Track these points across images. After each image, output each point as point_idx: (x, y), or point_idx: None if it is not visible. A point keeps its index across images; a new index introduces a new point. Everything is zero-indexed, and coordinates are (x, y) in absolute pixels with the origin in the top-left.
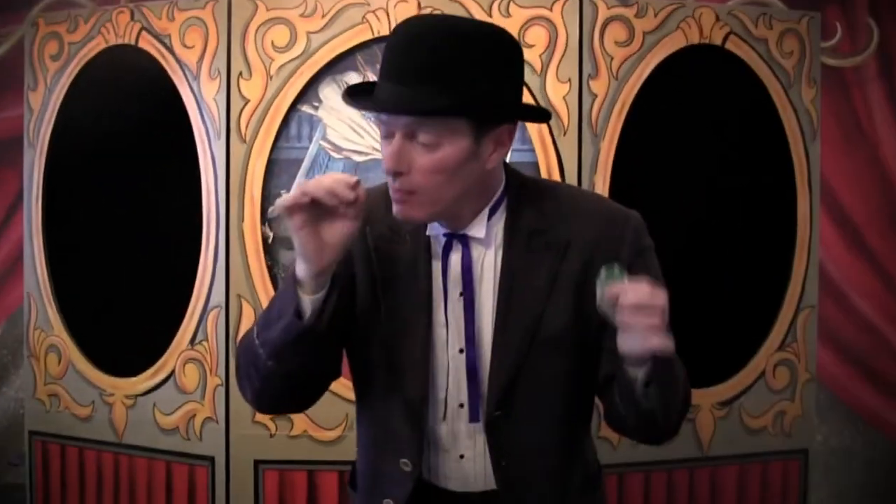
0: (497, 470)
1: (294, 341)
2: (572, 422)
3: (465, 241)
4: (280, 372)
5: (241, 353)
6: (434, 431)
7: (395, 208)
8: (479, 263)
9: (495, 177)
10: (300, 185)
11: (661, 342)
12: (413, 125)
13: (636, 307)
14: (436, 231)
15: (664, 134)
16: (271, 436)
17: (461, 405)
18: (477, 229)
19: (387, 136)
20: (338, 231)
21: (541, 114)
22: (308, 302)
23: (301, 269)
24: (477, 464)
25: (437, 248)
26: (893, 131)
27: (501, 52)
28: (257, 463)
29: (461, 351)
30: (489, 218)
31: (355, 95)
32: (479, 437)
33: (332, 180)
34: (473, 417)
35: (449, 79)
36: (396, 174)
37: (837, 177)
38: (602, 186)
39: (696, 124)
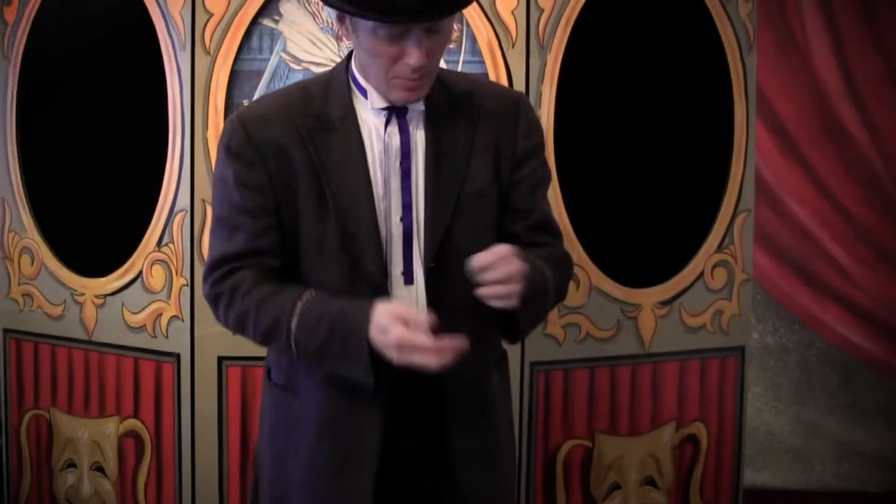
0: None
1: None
2: None
3: (403, 114)
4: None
5: (257, 316)
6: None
7: (402, 94)
8: (414, 134)
9: None
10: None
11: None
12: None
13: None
14: (376, 105)
15: (606, 46)
16: (234, 333)
17: (403, 272)
18: (416, 102)
19: (400, 35)
20: None
21: None
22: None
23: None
24: None
25: (377, 123)
26: (824, 41)
27: None
28: (221, 359)
29: (401, 220)
30: None
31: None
32: (417, 303)
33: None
34: (408, 279)
35: None
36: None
37: (772, 86)
38: (549, 96)
39: (636, 37)
